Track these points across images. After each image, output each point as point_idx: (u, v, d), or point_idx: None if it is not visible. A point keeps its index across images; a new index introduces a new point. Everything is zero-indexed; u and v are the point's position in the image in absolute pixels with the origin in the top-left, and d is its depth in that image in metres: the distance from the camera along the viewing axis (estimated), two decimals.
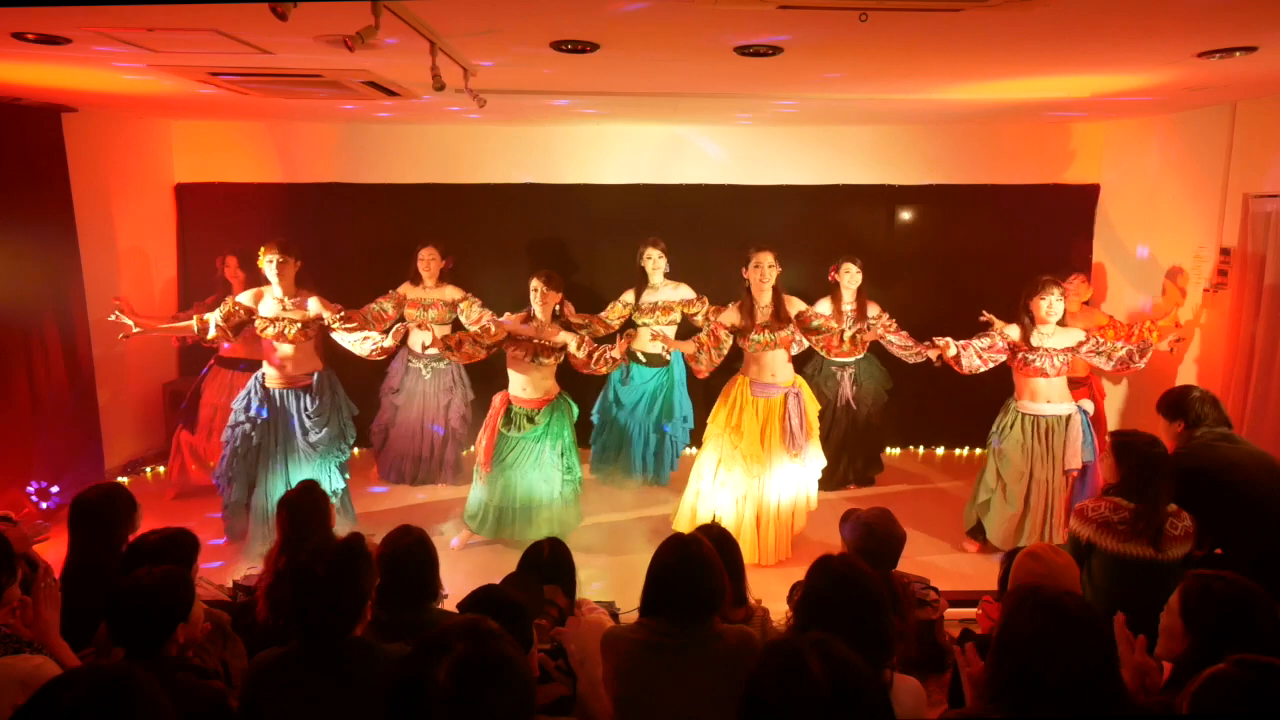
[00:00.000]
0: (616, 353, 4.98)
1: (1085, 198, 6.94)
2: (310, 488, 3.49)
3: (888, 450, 7.08)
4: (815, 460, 5.18)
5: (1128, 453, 3.42)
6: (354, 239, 6.85)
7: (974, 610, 3.60)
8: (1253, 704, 1.68)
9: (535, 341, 5.07)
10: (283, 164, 7.00)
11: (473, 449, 5.62)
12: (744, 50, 3.45)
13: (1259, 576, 2.31)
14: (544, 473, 5.16)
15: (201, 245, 6.97)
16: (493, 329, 5.11)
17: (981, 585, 4.18)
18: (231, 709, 2.30)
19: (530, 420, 5.16)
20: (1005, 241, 6.79)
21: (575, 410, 5.35)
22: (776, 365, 5.04)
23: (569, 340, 5.08)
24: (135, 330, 5.03)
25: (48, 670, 2.27)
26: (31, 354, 5.49)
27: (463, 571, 4.68)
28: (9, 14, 2.92)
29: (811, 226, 6.87)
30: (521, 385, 5.17)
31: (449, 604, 3.07)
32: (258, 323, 5.05)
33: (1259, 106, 5.07)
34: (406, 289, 6.12)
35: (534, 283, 5.12)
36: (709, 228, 6.86)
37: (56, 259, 5.64)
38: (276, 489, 4.96)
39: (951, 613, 3.69)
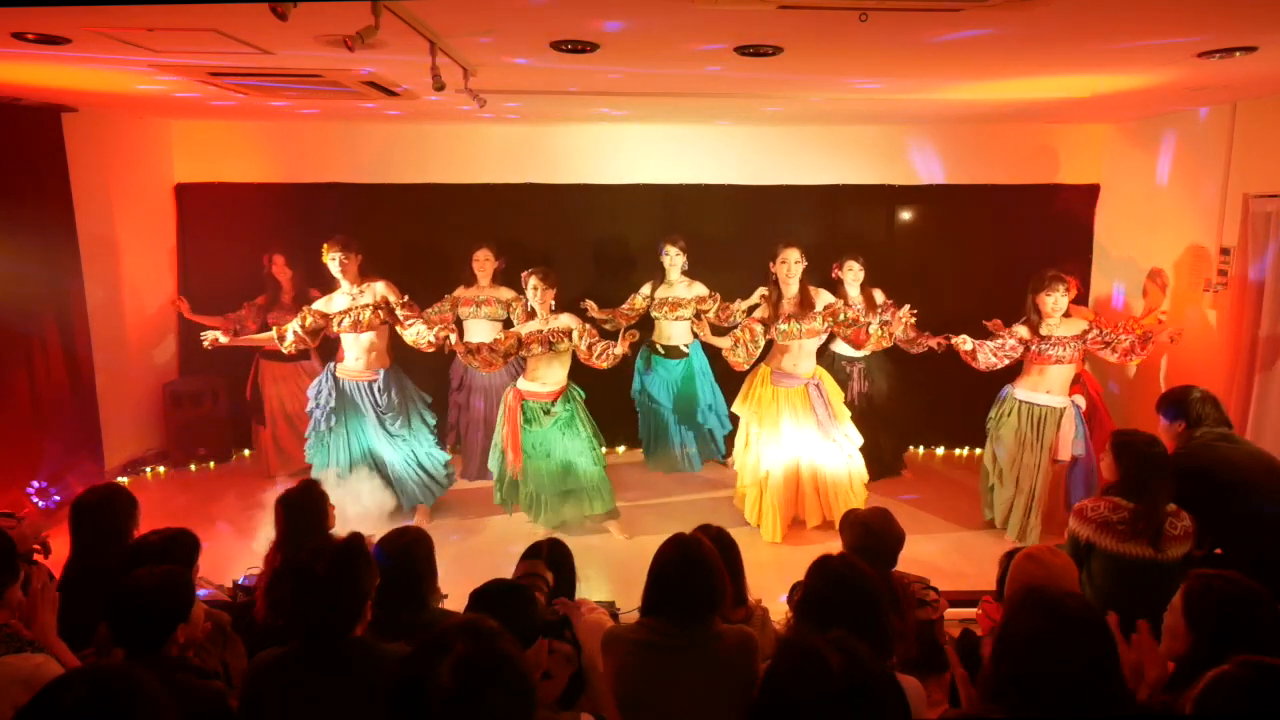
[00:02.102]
0: (619, 349, 5.09)
1: (1085, 198, 6.94)
2: (309, 487, 3.49)
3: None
4: (853, 438, 5.38)
5: (1127, 452, 3.42)
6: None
7: (974, 610, 3.60)
8: (1258, 705, 1.68)
9: (544, 331, 5.20)
10: (283, 164, 6.99)
11: None
12: (744, 50, 3.45)
13: (1259, 576, 2.31)
14: (578, 454, 5.33)
15: (201, 245, 6.98)
16: (502, 338, 5.25)
17: (981, 585, 4.17)
18: (231, 709, 2.30)
19: (547, 413, 5.30)
20: (1005, 241, 6.79)
21: (583, 394, 5.50)
22: (801, 357, 5.28)
23: (573, 325, 5.22)
24: (224, 340, 5.32)
25: (49, 670, 2.27)
26: (31, 354, 5.49)
27: (462, 570, 4.67)
28: (9, 14, 2.92)
29: (812, 226, 6.87)
30: (537, 380, 5.30)
31: (449, 604, 3.07)
32: (334, 321, 5.31)
33: (1259, 106, 5.07)
34: (460, 290, 6.28)
35: (531, 280, 5.23)
36: (710, 228, 6.86)
37: (56, 259, 5.64)
38: (360, 469, 5.45)
39: (951, 613, 3.68)
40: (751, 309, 5.89)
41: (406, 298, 5.38)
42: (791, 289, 5.20)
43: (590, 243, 7.03)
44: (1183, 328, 5.35)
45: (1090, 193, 6.94)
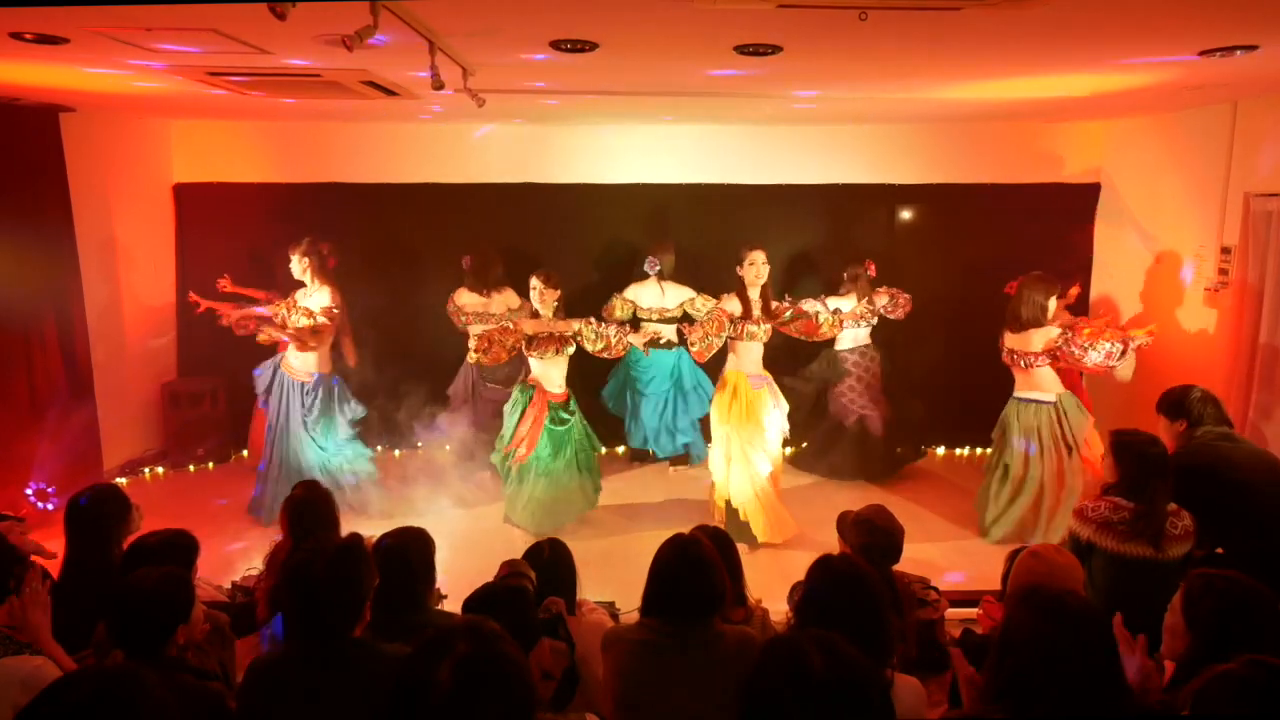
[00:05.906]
0: (634, 339, 5.24)
1: (1085, 197, 6.94)
2: (312, 486, 3.49)
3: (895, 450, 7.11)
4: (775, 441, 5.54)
5: (1127, 452, 3.41)
6: (353, 239, 6.83)
7: (974, 610, 3.60)
8: (1259, 704, 1.67)
9: (556, 335, 5.24)
10: (282, 164, 6.98)
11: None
12: (744, 49, 3.44)
13: (1260, 576, 2.31)
14: (585, 456, 5.48)
15: (201, 245, 6.96)
16: (511, 327, 5.32)
17: (981, 585, 4.17)
18: (230, 710, 2.30)
19: (563, 413, 5.39)
20: (1005, 241, 6.78)
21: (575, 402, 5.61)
22: (757, 356, 5.37)
23: (582, 326, 5.27)
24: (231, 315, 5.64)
25: (48, 671, 2.27)
26: (31, 354, 5.49)
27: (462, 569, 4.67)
28: (8, 14, 2.92)
29: (812, 226, 6.88)
30: (550, 381, 5.34)
31: (449, 604, 3.07)
32: (270, 307, 5.52)
33: (1260, 105, 5.07)
34: (462, 294, 6.23)
35: (534, 281, 5.25)
36: (708, 227, 6.87)
37: (55, 259, 5.63)
38: (286, 465, 5.51)
39: (952, 613, 3.68)
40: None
41: (336, 311, 5.50)
42: (756, 291, 5.27)
43: (589, 243, 7.02)
44: (1156, 329, 5.35)
45: (1090, 192, 6.93)
